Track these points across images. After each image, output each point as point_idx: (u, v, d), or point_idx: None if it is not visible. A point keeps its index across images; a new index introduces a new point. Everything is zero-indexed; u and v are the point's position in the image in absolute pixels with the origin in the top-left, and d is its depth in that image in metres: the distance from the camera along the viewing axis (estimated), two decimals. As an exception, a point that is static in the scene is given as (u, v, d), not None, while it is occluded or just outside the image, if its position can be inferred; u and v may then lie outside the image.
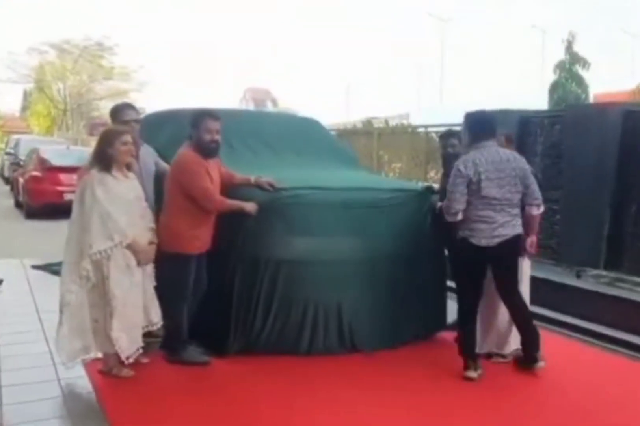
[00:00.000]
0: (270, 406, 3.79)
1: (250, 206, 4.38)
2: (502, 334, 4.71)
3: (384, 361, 4.59)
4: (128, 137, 4.09)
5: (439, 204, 4.93)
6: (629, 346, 5.46)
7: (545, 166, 7.90)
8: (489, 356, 4.70)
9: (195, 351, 4.46)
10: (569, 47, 12.37)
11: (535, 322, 4.59)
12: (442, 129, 11.21)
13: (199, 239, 4.35)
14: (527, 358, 4.51)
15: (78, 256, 3.96)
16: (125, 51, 60.85)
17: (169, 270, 4.27)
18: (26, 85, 44.59)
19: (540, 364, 4.46)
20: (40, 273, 7.08)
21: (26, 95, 50.08)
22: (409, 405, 3.88)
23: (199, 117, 4.35)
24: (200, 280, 4.46)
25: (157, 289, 4.25)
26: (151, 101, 38.16)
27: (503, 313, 4.64)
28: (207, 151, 4.32)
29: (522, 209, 4.45)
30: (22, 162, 16.46)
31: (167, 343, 4.47)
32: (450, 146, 5.13)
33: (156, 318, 4.21)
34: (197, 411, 3.69)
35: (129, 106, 4.81)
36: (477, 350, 4.52)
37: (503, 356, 4.71)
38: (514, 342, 4.68)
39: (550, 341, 4.91)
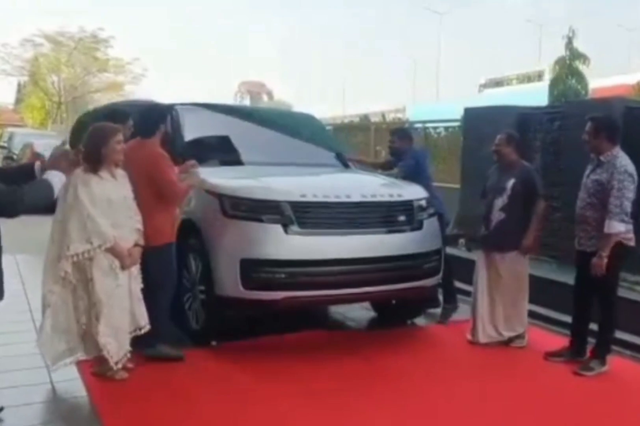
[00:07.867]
0: (259, 403, 3.76)
1: (193, 180, 4.40)
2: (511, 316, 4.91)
3: (371, 356, 4.57)
4: (121, 136, 4.00)
5: None
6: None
7: (545, 162, 7.81)
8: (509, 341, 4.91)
9: (168, 346, 4.41)
10: (569, 43, 12.23)
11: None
12: (440, 124, 11.19)
13: (173, 225, 4.42)
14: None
15: (58, 255, 3.87)
16: (120, 43, 60.69)
17: (159, 263, 4.24)
18: (20, 77, 44.30)
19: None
20: (34, 269, 6.96)
21: (20, 87, 49.69)
22: (400, 403, 3.84)
23: (165, 113, 4.54)
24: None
25: (144, 291, 4.14)
26: (146, 93, 37.95)
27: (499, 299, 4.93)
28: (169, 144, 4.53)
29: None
30: (15, 156, 16.27)
31: (144, 337, 4.22)
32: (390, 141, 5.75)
33: (143, 321, 4.10)
34: (191, 412, 3.63)
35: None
36: (481, 339, 4.89)
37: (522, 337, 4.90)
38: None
39: (551, 341, 4.87)
